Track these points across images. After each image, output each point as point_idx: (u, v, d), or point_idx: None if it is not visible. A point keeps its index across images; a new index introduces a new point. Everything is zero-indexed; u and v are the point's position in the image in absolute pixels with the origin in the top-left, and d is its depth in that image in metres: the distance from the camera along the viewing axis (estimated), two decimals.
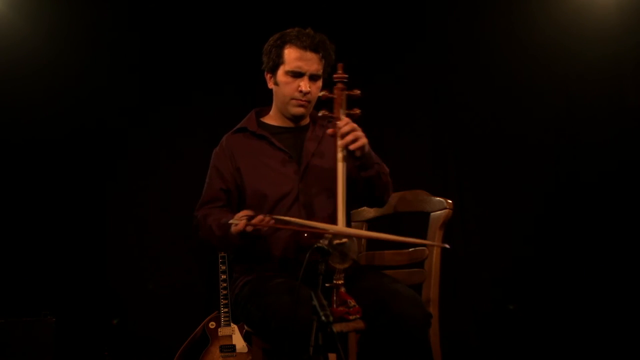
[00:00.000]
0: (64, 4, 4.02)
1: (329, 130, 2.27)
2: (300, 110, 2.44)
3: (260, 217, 2.14)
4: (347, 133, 2.20)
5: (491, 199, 4.16)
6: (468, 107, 4.24)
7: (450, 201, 2.42)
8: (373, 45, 4.19)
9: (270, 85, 2.48)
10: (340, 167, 2.23)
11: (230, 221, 2.15)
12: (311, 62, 2.39)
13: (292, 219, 2.21)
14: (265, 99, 2.63)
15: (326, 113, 2.27)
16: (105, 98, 4.11)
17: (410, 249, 2.46)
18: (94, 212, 4.12)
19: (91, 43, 4.08)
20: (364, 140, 2.22)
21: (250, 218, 2.14)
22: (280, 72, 2.42)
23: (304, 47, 2.37)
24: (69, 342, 3.79)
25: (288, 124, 2.51)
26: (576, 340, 3.90)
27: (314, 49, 2.38)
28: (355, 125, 2.22)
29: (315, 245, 2.03)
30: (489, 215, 4.16)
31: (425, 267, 2.43)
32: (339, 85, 2.30)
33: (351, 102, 2.30)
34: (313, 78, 2.41)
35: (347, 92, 2.30)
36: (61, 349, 3.57)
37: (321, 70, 2.42)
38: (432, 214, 2.46)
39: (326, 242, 2.09)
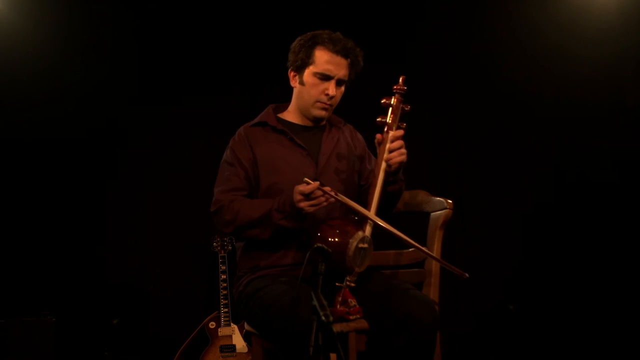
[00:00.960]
0: (65, 5, 4.01)
1: (378, 136, 2.30)
2: (322, 113, 2.46)
3: (328, 187, 2.18)
4: (395, 150, 2.26)
5: (491, 199, 4.16)
6: (468, 107, 4.25)
7: (450, 201, 2.43)
8: (372, 45, 4.18)
9: (294, 83, 2.48)
10: (381, 174, 2.27)
11: (306, 178, 2.17)
12: (340, 67, 2.40)
13: (351, 202, 2.25)
14: (267, 98, 2.63)
15: (383, 120, 2.30)
16: (105, 98, 4.11)
17: (411, 249, 2.46)
18: (94, 212, 4.12)
19: (92, 43, 4.07)
20: (404, 158, 2.28)
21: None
22: (307, 73, 2.42)
23: (336, 51, 2.38)
24: (69, 342, 3.78)
25: (306, 122, 2.52)
26: (576, 340, 3.90)
27: (345, 54, 2.40)
28: (403, 143, 2.27)
29: (315, 245, 2.04)
30: (489, 215, 4.16)
31: (425, 267, 2.43)
32: (398, 97, 2.33)
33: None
34: (339, 83, 2.42)
35: (402, 105, 2.34)
36: (61, 349, 3.57)
37: (347, 76, 2.43)
38: (432, 214, 2.47)
39: (354, 243, 2.14)
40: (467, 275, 2.17)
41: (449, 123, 4.27)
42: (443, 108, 4.27)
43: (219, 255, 3.76)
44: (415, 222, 2.49)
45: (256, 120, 2.53)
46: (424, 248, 2.29)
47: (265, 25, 4.15)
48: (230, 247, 3.75)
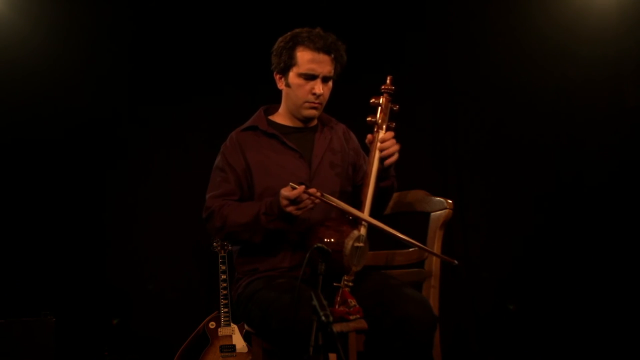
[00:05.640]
0: (64, 4, 4.01)
1: (368, 136, 2.32)
2: (312, 112, 2.44)
3: (313, 189, 2.17)
4: (386, 149, 2.30)
5: (491, 199, 4.16)
6: (468, 107, 4.25)
7: (450, 201, 2.43)
8: (373, 45, 4.19)
9: (281, 86, 2.47)
10: (373, 173, 2.29)
11: (291, 183, 2.17)
12: (324, 64, 2.37)
13: (337, 201, 2.27)
14: (265, 98, 2.63)
15: (373, 120, 2.33)
16: (105, 97, 4.12)
17: (411, 249, 2.46)
18: (94, 212, 4.12)
19: (91, 42, 4.07)
20: (396, 156, 2.33)
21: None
22: (292, 74, 2.40)
23: (317, 49, 2.35)
24: (69, 342, 3.79)
25: (297, 124, 2.50)
26: (576, 340, 3.90)
27: (327, 50, 2.37)
28: (394, 142, 2.32)
29: (316, 246, 2.04)
30: (489, 215, 4.16)
31: (425, 267, 2.43)
32: (386, 96, 2.35)
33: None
34: (325, 79, 2.40)
35: (391, 105, 2.36)
36: (61, 349, 3.57)
37: (333, 72, 2.41)
38: (432, 214, 2.47)
39: (350, 242, 2.16)
40: (456, 262, 2.29)
41: (449, 123, 4.27)
42: (443, 108, 4.27)
43: (219, 255, 3.76)
44: (415, 222, 2.49)
45: (247, 124, 2.51)
46: (417, 243, 2.29)
47: (264, 25, 4.15)
48: (230, 248, 3.74)
